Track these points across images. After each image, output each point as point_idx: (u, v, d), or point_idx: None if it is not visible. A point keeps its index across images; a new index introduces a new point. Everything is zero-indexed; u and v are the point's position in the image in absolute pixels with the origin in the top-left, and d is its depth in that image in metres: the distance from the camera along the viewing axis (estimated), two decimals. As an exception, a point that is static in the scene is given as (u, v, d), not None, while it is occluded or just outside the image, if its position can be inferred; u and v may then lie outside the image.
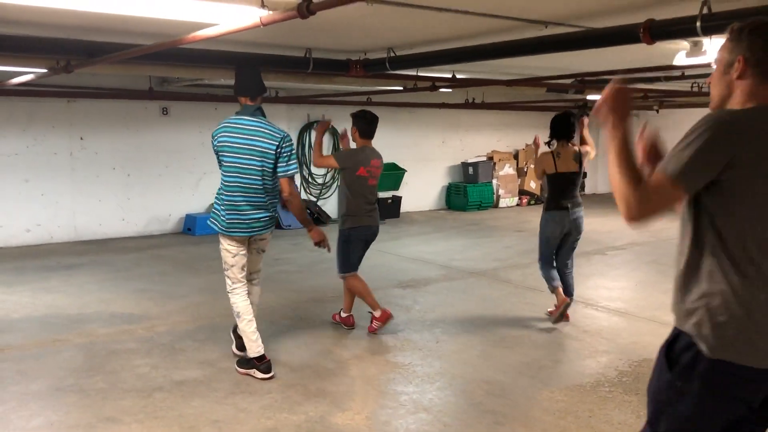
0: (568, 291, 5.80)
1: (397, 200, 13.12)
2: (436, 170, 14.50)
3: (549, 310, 5.92)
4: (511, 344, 5.25)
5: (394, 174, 13.22)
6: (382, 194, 12.91)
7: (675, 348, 2.03)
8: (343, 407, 4.04)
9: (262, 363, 4.50)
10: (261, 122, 4.46)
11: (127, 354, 4.98)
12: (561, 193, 5.64)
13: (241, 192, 4.42)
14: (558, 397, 4.20)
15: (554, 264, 5.78)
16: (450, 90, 9.99)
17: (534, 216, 11.43)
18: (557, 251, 5.77)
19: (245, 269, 4.61)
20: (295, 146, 4.57)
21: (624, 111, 2.08)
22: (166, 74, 8.25)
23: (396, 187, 13.32)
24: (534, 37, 5.12)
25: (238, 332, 4.68)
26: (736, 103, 2.03)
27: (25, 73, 6.94)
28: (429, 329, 5.65)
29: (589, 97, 11.71)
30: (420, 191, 14.11)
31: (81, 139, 10.20)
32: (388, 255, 9.02)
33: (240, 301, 4.55)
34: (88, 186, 10.30)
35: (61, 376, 4.53)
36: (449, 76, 8.18)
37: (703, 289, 1.97)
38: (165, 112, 10.89)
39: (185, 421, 3.84)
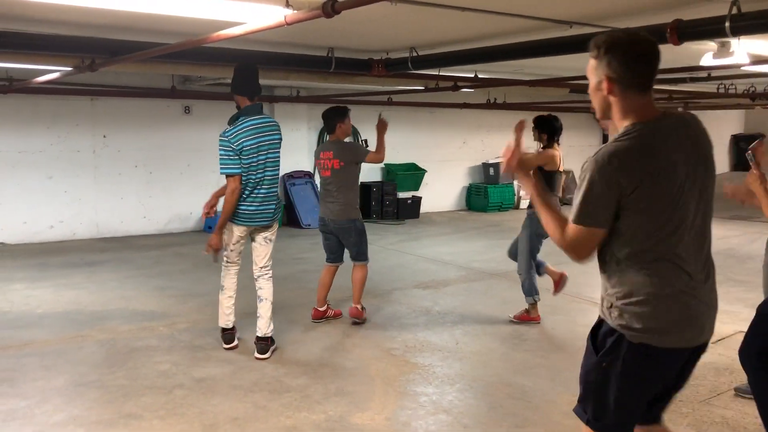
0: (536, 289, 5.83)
1: (416, 200, 13.09)
2: (456, 171, 14.45)
3: (512, 315, 5.92)
4: (532, 347, 5.21)
5: (413, 174, 13.20)
6: (402, 194, 12.91)
7: (599, 334, 2.30)
8: (363, 407, 4.03)
9: (225, 333, 4.99)
10: (268, 118, 4.87)
11: (148, 351, 5.01)
12: (554, 192, 5.73)
13: (267, 185, 4.80)
14: (579, 401, 4.15)
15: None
16: (472, 90, 9.95)
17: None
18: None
19: (239, 255, 4.93)
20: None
21: (522, 168, 2.43)
22: (189, 73, 8.30)
23: (416, 187, 13.29)
24: (558, 37, 5.08)
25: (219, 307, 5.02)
26: (616, 119, 2.21)
27: (51, 71, 7.02)
28: (449, 330, 5.62)
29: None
30: (440, 192, 14.07)
31: (104, 137, 10.30)
32: (407, 255, 9.00)
33: (228, 277, 4.94)
34: (111, 184, 10.40)
35: (84, 372, 4.57)
36: (471, 75, 8.15)
37: (620, 283, 2.21)
38: (187, 111, 10.96)
39: (206, 418, 3.85)
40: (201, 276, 7.60)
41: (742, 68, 6.60)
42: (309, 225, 11.43)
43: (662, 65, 2.22)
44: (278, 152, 4.87)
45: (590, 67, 2.20)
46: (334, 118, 5.68)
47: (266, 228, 4.93)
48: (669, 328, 2.17)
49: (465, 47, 6.00)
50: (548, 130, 5.61)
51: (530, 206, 5.79)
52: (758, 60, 5.98)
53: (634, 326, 2.17)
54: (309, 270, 8.05)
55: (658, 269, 2.15)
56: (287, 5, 3.52)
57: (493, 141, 14.77)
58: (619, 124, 2.20)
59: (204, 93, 10.50)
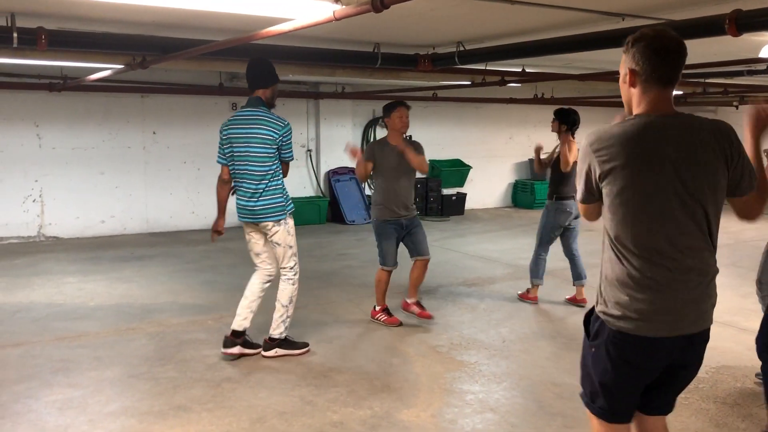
0: (581, 275, 6.20)
1: (461, 197, 13.00)
2: (502, 167, 14.30)
3: (567, 297, 6.37)
4: (580, 346, 5.09)
5: (458, 171, 13.11)
6: (446, 191, 12.84)
7: (590, 319, 2.41)
8: (409, 404, 4.01)
9: (228, 338, 4.79)
10: (259, 111, 4.64)
11: (196, 344, 5.09)
12: (570, 184, 5.84)
13: (252, 180, 4.62)
14: (631, 402, 4.05)
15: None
16: (518, 85, 9.82)
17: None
18: (562, 240, 6.20)
19: (259, 257, 4.84)
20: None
21: None
22: (237, 70, 8.38)
23: (461, 183, 13.20)
24: (610, 29, 4.95)
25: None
26: (633, 110, 2.27)
27: (103, 69, 7.18)
28: (495, 328, 5.56)
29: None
30: (485, 188, 13.95)
31: (154, 133, 10.49)
32: (452, 252, 8.95)
33: (251, 280, 4.89)
34: (160, 179, 10.60)
35: (135, 364, 4.66)
36: (519, 70, 8.04)
37: (605, 269, 2.32)
38: (234, 108, 11.08)
39: (253, 411, 3.88)
40: (248, 270, 7.58)
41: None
42: (353, 221, 11.45)
43: (718, 58, 2.19)
44: (263, 147, 4.54)
45: (621, 62, 2.30)
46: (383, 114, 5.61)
47: (267, 228, 4.66)
48: (645, 316, 2.21)
49: (513, 41, 5.91)
50: (567, 122, 5.96)
51: (548, 197, 6.14)
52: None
53: (612, 312, 2.26)
54: (353, 266, 8.07)
55: (636, 258, 2.20)
56: (336, 0, 3.51)
57: (540, 136, 14.52)
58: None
59: (251, 90, 10.58)
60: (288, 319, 4.81)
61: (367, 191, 12.26)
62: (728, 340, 5.08)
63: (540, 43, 5.51)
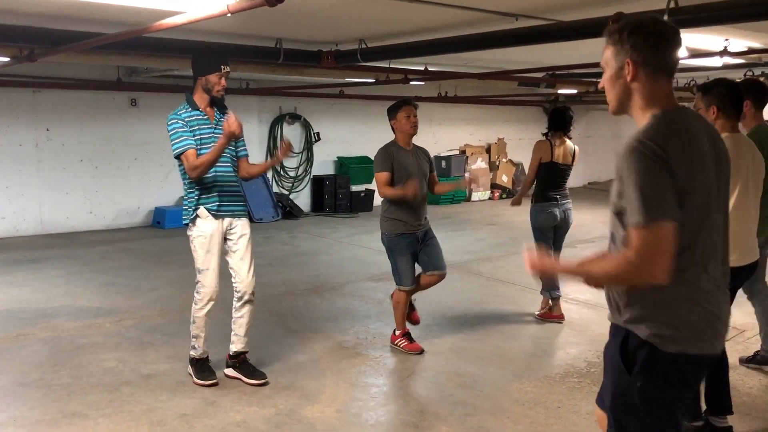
0: (556, 285, 5.62)
1: (370, 194, 13.09)
2: (408, 164, 14.47)
3: (537, 312, 5.78)
4: (481, 336, 5.27)
5: (366, 167, 13.18)
6: (355, 188, 12.91)
7: (629, 347, 2.02)
8: (314, 400, 4.02)
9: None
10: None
11: (93, 348, 4.90)
12: (551, 184, 5.53)
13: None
14: (527, 388, 4.22)
15: None
16: (422, 83, 9.99)
17: (505, 210, 11.51)
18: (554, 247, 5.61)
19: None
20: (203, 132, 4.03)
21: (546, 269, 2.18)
22: (134, 64, 8.13)
23: (369, 180, 13.27)
24: (505, 29, 5.13)
25: None
26: (637, 107, 2.02)
27: (-12, 62, 6.78)
28: (400, 322, 5.64)
29: (561, 91, 11.78)
30: (392, 184, 14.07)
31: (47, 130, 9.99)
32: (360, 248, 9.00)
33: None
34: (55, 178, 10.11)
35: (26, 371, 4.44)
36: (422, 68, 8.18)
37: (650, 289, 1.93)
38: (134, 104, 10.72)
39: (153, 414, 3.78)
40: (149, 272, 7.46)
41: (681, 61, 6.78)
42: (261, 219, 11.32)
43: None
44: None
45: (608, 56, 2.04)
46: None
47: None
48: (702, 333, 1.98)
49: (414, 39, 6.01)
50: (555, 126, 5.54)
51: (531, 200, 5.65)
52: (696, 54, 6.15)
53: (669, 334, 1.95)
54: (260, 264, 7.96)
55: (689, 270, 1.94)
56: (230, -6, 3.47)
57: (445, 134, 14.85)
58: (642, 114, 2.02)
59: (151, 85, 10.28)
60: (192, 339, 4.28)
61: (275, 188, 12.16)
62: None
63: (438, 41, 5.64)
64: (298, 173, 12.70)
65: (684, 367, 1.98)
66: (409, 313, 5.07)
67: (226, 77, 4.12)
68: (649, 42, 1.96)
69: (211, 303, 4.19)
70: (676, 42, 2.00)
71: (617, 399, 2.08)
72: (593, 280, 2.04)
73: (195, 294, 4.20)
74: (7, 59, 6.08)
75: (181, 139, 4.02)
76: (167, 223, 10.50)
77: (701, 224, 1.95)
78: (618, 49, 2.00)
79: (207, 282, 4.13)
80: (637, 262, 1.82)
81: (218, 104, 4.25)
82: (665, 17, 3.92)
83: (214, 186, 4.11)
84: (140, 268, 7.64)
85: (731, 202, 2.91)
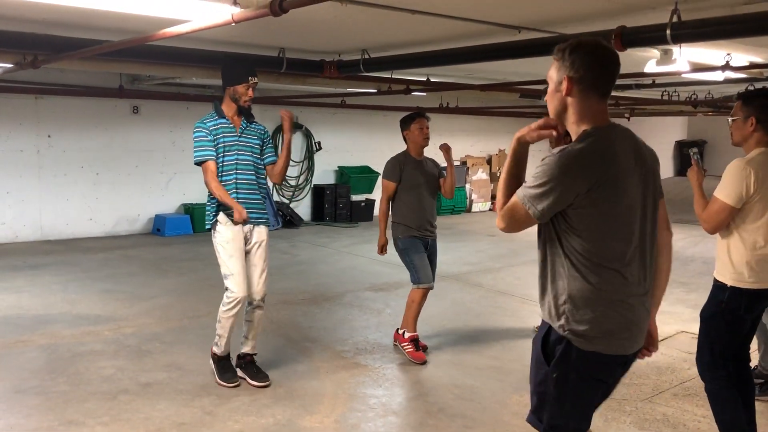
0: None
1: (370, 203, 13.10)
2: (409, 174, 14.47)
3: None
4: (481, 348, 5.26)
5: (367, 177, 13.21)
6: (355, 197, 12.91)
7: (549, 341, 2.27)
8: (312, 410, 4.00)
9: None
10: None
11: (92, 356, 4.88)
12: None
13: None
14: (527, 401, 4.16)
15: None
16: (424, 94, 10.01)
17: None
18: None
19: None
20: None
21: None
22: (137, 72, 8.14)
23: (369, 190, 13.30)
24: (507, 41, 5.14)
25: None
26: (571, 122, 2.21)
27: (-9, 68, 6.79)
28: (400, 332, 5.62)
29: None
30: (393, 195, 14.07)
31: (49, 136, 10.00)
32: (360, 258, 9.00)
33: None
34: (56, 185, 10.11)
35: (23, 378, 4.42)
36: (423, 79, 8.20)
37: (569, 288, 2.19)
38: (135, 111, 10.74)
39: (151, 423, 3.77)
40: (149, 279, 7.45)
41: (683, 75, 6.80)
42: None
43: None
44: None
45: (552, 70, 2.23)
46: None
47: None
48: (615, 334, 2.19)
49: (416, 50, 6.03)
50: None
51: None
52: (698, 68, 6.16)
53: (583, 333, 2.17)
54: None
55: (605, 275, 2.15)
56: (234, 3, 3.48)
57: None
58: (574, 129, 2.21)
59: (153, 93, 10.30)
60: (216, 337, 4.39)
61: (276, 196, 12.15)
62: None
63: (441, 52, 5.66)
64: (299, 182, 12.71)
65: (596, 365, 2.22)
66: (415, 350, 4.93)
67: (253, 88, 4.21)
68: (586, 62, 2.14)
69: (239, 306, 4.28)
70: (612, 65, 2.18)
71: (537, 386, 2.36)
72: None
73: (224, 296, 4.26)
74: (10, 65, 6.10)
75: (203, 148, 4.16)
76: (167, 231, 10.50)
77: (620, 234, 2.15)
78: (560, 65, 2.19)
79: (234, 286, 4.22)
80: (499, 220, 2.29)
81: (245, 113, 4.34)
82: (667, 32, 3.94)
83: (234, 193, 4.23)
84: (140, 276, 7.63)
85: (763, 220, 3.10)
